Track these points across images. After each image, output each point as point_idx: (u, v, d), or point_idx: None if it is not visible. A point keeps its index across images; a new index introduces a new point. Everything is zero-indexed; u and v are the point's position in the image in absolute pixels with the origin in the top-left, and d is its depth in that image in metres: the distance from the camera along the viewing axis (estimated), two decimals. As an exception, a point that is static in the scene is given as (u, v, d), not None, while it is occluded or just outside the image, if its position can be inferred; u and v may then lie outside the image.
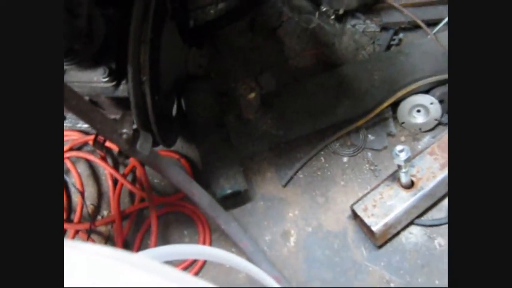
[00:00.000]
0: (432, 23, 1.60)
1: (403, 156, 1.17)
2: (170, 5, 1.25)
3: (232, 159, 1.36)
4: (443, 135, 1.38)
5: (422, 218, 1.39)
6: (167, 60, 1.22)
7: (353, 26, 1.61)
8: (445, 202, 1.41)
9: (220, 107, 1.40)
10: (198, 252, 1.03)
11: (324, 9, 1.55)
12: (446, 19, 1.55)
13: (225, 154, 1.36)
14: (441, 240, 1.37)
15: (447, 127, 1.48)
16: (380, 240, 1.32)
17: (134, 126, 1.03)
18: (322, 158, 1.48)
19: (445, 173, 1.31)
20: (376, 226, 1.27)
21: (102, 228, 1.48)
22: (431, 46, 1.50)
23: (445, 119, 1.49)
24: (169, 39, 1.25)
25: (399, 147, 1.17)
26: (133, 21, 1.06)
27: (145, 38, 1.09)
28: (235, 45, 1.62)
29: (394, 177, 1.33)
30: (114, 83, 1.15)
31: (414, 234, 1.38)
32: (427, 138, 1.52)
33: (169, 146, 1.34)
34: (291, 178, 1.45)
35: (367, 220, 1.29)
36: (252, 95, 1.26)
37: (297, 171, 1.45)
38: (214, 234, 1.42)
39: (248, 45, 1.62)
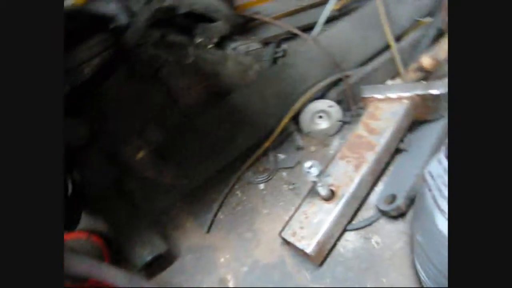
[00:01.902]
0: (309, 28, 1.60)
1: (314, 171, 1.13)
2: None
3: (144, 222, 1.25)
4: (349, 136, 1.36)
5: (353, 222, 1.36)
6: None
7: (234, 49, 1.57)
8: (372, 198, 1.39)
9: (116, 171, 1.29)
10: None
11: (199, 40, 1.50)
12: (320, 21, 1.55)
13: (135, 219, 1.25)
14: (377, 238, 1.34)
15: (352, 126, 1.46)
16: (318, 259, 1.27)
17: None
18: (238, 192, 1.41)
19: (360, 173, 1.29)
20: (309, 248, 1.21)
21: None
22: (314, 51, 1.49)
23: (347, 118, 1.48)
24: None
25: (307, 164, 1.13)
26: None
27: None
28: (119, 99, 1.51)
29: (313, 192, 1.28)
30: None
31: (350, 240, 1.34)
32: (336, 141, 1.50)
33: (72, 230, 1.21)
34: (212, 221, 1.36)
35: (299, 245, 1.22)
36: (141, 154, 1.16)
37: (216, 213, 1.37)
38: (148, 306, 1.30)
39: (133, 95, 1.52)
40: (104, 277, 1.04)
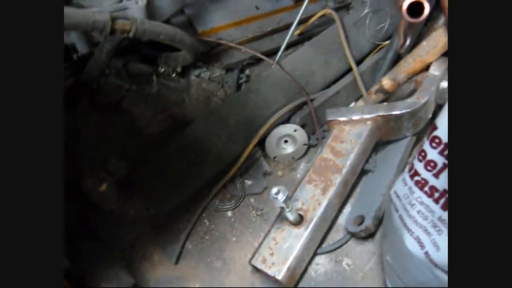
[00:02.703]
0: (272, 53, 1.61)
1: (281, 197, 1.12)
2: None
3: (109, 256, 1.21)
4: (315, 159, 1.37)
5: (323, 246, 1.35)
6: None
7: (198, 76, 1.56)
8: (340, 221, 1.40)
9: (75, 208, 1.24)
10: None
11: (162, 69, 1.49)
12: (283, 46, 1.56)
13: (100, 254, 1.20)
14: (348, 260, 1.34)
15: (318, 148, 1.47)
16: (290, 284, 1.25)
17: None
18: (206, 221, 1.39)
19: (328, 196, 1.29)
20: (281, 274, 1.20)
21: None
22: (277, 75, 1.50)
23: (313, 141, 1.49)
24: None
25: (274, 190, 1.12)
26: None
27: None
28: (82, 131, 1.48)
29: (282, 217, 1.27)
30: None
31: (321, 263, 1.34)
32: (303, 165, 1.50)
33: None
34: (181, 252, 1.33)
35: (269, 272, 1.21)
36: (104, 186, 1.13)
37: (184, 244, 1.33)
38: None
39: (96, 126, 1.49)
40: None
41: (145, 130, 1.49)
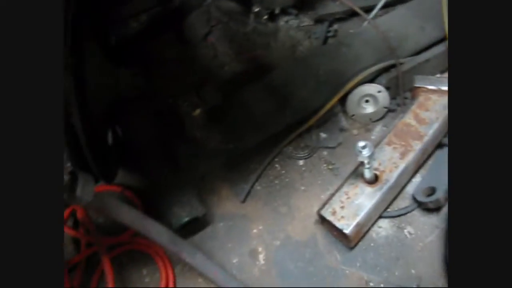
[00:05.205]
0: (366, 10, 1.57)
1: (366, 152, 1.11)
2: (87, 22, 1.10)
3: (184, 183, 1.23)
4: (397, 123, 1.34)
5: (389, 210, 1.34)
6: (96, 85, 1.07)
7: (287, 22, 1.54)
8: (408, 189, 1.38)
9: (160, 129, 1.26)
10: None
11: (257, 9, 1.46)
12: (380, 4, 1.51)
13: (175, 179, 1.23)
14: (410, 228, 1.33)
15: (397, 114, 1.44)
16: (354, 241, 1.26)
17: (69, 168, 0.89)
18: (277, 166, 1.39)
19: (406, 161, 1.27)
20: (349, 228, 1.20)
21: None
22: (371, 33, 1.46)
23: (393, 106, 1.46)
24: (93, 61, 1.10)
25: (361, 143, 1.11)
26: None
27: (66, 63, 0.93)
28: (165, 59, 1.48)
29: (356, 173, 1.26)
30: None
31: (384, 227, 1.33)
32: (379, 127, 1.48)
33: (111, 181, 1.19)
34: (249, 192, 1.35)
35: (338, 224, 1.21)
36: (197, 112, 1.14)
37: (253, 184, 1.35)
38: (177, 268, 1.29)
39: (179, 56, 1.49)
40: (148, 231, 1.03)
41: (227, 67, 1.48)
